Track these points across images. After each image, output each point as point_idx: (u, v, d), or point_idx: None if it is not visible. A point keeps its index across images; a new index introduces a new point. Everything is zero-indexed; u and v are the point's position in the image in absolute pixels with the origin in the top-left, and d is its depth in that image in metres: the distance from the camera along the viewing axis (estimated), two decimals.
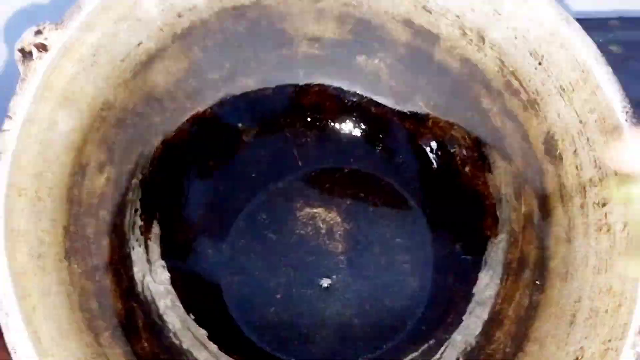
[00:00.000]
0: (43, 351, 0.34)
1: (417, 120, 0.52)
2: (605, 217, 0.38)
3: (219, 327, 0.50)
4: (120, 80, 0.43)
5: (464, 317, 0.49)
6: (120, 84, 0.44)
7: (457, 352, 0.47)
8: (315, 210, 0.54)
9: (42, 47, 0.38)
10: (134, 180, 0.47)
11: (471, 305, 0.49)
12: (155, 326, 0.45)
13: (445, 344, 0.48)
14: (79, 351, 0.37)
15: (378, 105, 0.53)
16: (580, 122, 0.39)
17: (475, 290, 0.49)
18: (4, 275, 0.34)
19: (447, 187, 0.52)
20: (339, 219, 0.54)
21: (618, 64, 0.39)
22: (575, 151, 0.40)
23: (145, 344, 0.43)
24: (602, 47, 0.38)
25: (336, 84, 0.52)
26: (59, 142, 0.40)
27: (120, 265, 0.45)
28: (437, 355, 0.48)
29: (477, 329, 0.47)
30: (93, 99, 0.42)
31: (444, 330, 0.49)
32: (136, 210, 0.48)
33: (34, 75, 0.38)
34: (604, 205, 0.38)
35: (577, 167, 0.40)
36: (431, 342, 0.49)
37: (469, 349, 0.46)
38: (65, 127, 0.40)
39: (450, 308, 0.50)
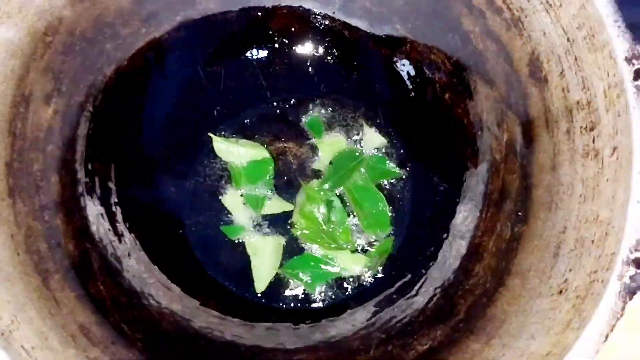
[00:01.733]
0: None
1: (394, 44, 0.49)
2: (593, 141, 0.36)
3: (181, 269, 0.48)
4: (66, 1, 0.40)
5: (441, 252, 0.47)
6: (66, 6, 0.40)
7: (434, 288, 0.45)
8: (285, 145, 0.51)
9: None
10: (85, 113, 0.44)
11: (449, 239, 0.47)
12: (112, 269, 0.43)
13: (422, 279, 0.46)
14: (24, 295, 0.34)
15: (352, 28, 0.49)
16: (568, 40, 0.37)
17: (453, 223, 0.47)
18: None
19: (425, 115, 0.50)
20: (310, 154, 0.51)
21: None
22: (561, 72, 0.38)
23: (102, 287, 0.41)
24: None
25: (306, 5, 0.49)
26: None
27: (72, 204, 0.42)
28: (413, 292, 0.46)
29: (455, 264, 0.45)
30: (34, 22, 0.38)
31: (420, 266, 0.47)
32: (88, 146, 0.44)
33: None
34: (591, 129, 0.36)
35: (563, 90, 0.38)
36: (407, 277, 0.47)
37: (446, 284, 0.45)
38: (2, 52, 0.37)
39: (427, 242, 0.48)
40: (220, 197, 0.50)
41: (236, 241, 0.49)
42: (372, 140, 0.51)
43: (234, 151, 0.49)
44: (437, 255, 0.47)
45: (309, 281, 0.48)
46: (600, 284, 0.33)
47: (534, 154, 0.41)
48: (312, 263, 0.49)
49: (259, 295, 0.48)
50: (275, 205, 0.50)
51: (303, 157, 0.51)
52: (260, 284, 0.48)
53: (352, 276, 0.49)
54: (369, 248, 0.50)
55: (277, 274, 0.49)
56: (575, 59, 0.37)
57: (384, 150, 0.51)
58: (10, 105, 0.38)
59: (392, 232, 0.50)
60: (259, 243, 0.48)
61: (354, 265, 0.49)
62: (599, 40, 0.35)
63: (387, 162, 0.51)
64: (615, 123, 0.34)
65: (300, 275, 0.48)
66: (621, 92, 0.34)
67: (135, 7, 0.44)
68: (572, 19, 0.36)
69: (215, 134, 0.50)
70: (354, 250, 0.49)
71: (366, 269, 0.49)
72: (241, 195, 0.50)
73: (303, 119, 0.52)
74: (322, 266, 0.49)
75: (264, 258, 0.48)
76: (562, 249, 0.37)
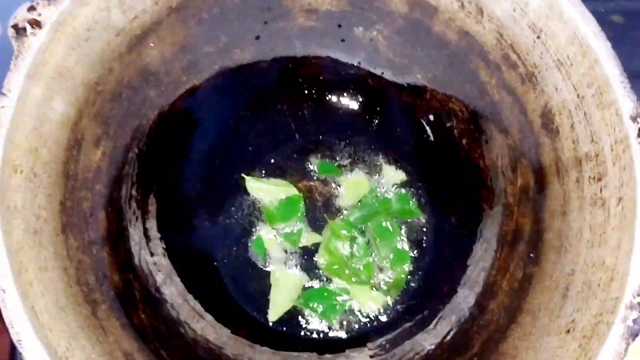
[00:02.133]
0: (40, 326, 0.34)
1: (415, 92, 0.51)
2: (600, 191, 0.38)
3: (214, 299, 0.50)
4: (115, 55, 0.43)
5: (458, 289, 0.49)
6: (115, 58, 0.43)
7: (450, 323, 0.47)
8: (312, 184, 0.54)
9: (36, 24, 0.37)
10: (130, 154, 0.47)
11: (465, 277, 0.49)
12: (152, 298, 0.46)
13: (439, 314, 0.49)
14: (76, 325, 0.37)
15: (375, 77, 0.52)
16: (578, 96, 0.39)
17: (469, 261, 0.49)
18: (0, 251, 0.34)
19: (444, 159, 0.52)
20: (335, 192, 0.54)
21: (619, 35, 0.38)
22: (572, 125, 0.40)
23: (142, 316, 0.44)
24: (604, 17, 0.37)
25: (333, 55, 0.52)
26: (54, 117, 0.40)
27: (117, 238, 0.45)
28: (431, 326, 0.48)
29: (471, 300, 0.47)
30: (88, 74, 0.41)
31: (438, 301, 0.49)
32: (133, 184, 0.48)
33: (27, 52, 0.37)
34: (599, 180, 0.38)
35: (573, 141, 0.40)
36: (425, 312, 0.49)
37: (462, 320, 0.47)
38: (60, 102, 0.40)
39: (445, 279, 0.50)
40: (252, 232, 0.53)
41: (263, 268, 0.52)
42: (391, 177, 0.54)
43: (264, 189, 0.52)
44: (454, 291, 0.49)
45: (323, 312, 0.51)
46: (605, 325, 0.35)
47: (545, 199, 0.43)
48: (327, 295, 0.51)
49: (283, 325, 0.51)
50: (308, 238, 0.53)
51: (328, 195, 0.54)
52: (274, 314, 0.51)
53: (368, 310, 0.51)
54: (387, 282, 0.52)
55: (294, 306, 0.51)
56: (585, 114, 0.39)
57: (403, 190, 0.54)
58: (65, 149, 0.41)
59: (410, 267, 0.52)
60: (282, 276, 0.51)
61: (371, 302, 0.51)
62: (606, 98, 0.37)
63: (410, 201, 0.53)
64: (621, 176, 0.36)
65: (314, 306, 0.51)
66: (626, 147, 0.36)
67: (177, 57, 0.47)
68: (582, 77, 0.38)
69: (247, 174, 0.53)
70: (374, 287, 0.51)
71: (381, 306, 0.51)
72: (274, 231, 0.53)
73: (315, 165, 0.55)
74: (337, 299, 0.51)
75: (283, 291, 0.51)
76: (570, 290, 0.39)
